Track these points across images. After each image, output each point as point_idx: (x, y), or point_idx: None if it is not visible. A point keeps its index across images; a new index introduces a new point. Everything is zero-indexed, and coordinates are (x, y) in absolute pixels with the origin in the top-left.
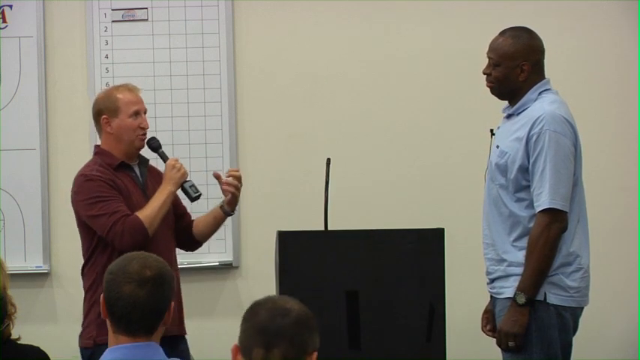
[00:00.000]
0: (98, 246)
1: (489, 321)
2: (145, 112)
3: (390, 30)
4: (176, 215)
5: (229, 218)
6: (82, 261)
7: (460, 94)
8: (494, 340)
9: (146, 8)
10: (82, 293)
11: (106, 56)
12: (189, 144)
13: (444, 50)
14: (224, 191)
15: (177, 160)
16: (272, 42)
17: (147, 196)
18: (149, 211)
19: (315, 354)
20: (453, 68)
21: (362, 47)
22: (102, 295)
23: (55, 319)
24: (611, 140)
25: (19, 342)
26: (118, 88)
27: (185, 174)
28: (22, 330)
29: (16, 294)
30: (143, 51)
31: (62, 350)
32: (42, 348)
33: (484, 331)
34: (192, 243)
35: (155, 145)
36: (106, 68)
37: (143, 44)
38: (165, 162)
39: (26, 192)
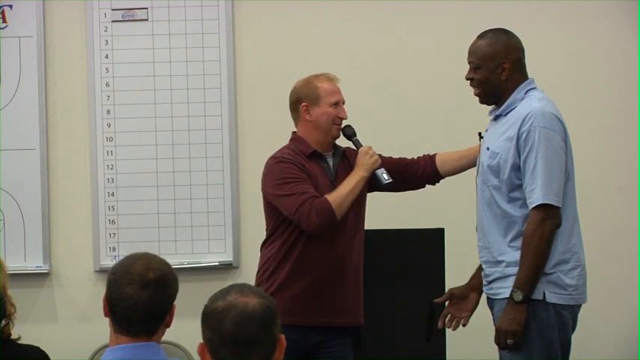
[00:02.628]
0: (279, 228)
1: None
2: (343, 103)
3: (391, 30)
4: (400, 167)
5: (229, 217)
6: (81, 261)
7: (460, 93)
8: (494, 339)
9: (146, 8)
10: (82, 293)
11: (106, 56)
12: (189, 144)
13: (444, 50)
14: None
15: (370, 148)
16: (272, 42)
17: (334, 188)
18: (337, 194)
19: (282, 337)
20: (453, 68)
21: (362, 47)
22: (104, 295)
23: (55, 319)
24: (611, 140)
25: (19, 342)
26: (318, 77)
27: (377, 161)
28: (22, 330)
29: (16, 294)
30: (143, 51)
31: (62, 350)
32: (42, 348)
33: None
34: (432, 180)
35: (349, 133)
36: (106, 68)
37: (143, 44)
38: (358, 149)
39: (26, 192)
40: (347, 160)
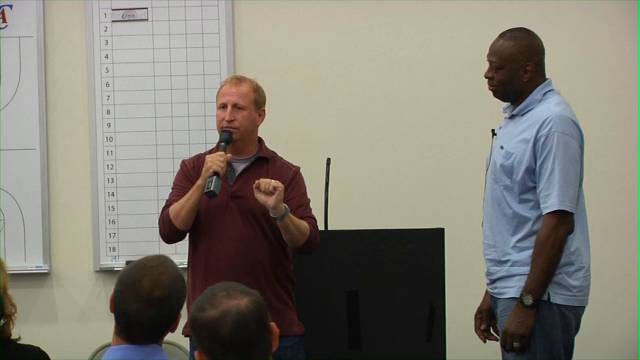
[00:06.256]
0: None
1: (483, 321)
2: (234, 105)
3: (391, 30)
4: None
5: None
6: (81, 261)
7: (460, 94)
8: (500, 341)
9: (146, 8)
10: (82, 293)
11: (106, 56)
12: (189, 144)
13: (444, 50)
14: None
15: (213, 155)
16: (272, 42)
17: (230, 193)
18: (177, 204)
19: (274, 324)
20: (453, 68)
21: (362, 47)
22: (112, 294)
23: (55, 319)
24: (611, 140)
25: (19, 342)
26: (228, 78)
27: (209, 168)
28: (22, 330)
29: (16, 294)
30: (143, 51)
31: (62, 350)
32: (42, 348)
33: (477, 332)
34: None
35: (221, 138)
36: (106, 68)
37: (143, 44)
38: None
39: (26, 192)
40: (266, 167)
